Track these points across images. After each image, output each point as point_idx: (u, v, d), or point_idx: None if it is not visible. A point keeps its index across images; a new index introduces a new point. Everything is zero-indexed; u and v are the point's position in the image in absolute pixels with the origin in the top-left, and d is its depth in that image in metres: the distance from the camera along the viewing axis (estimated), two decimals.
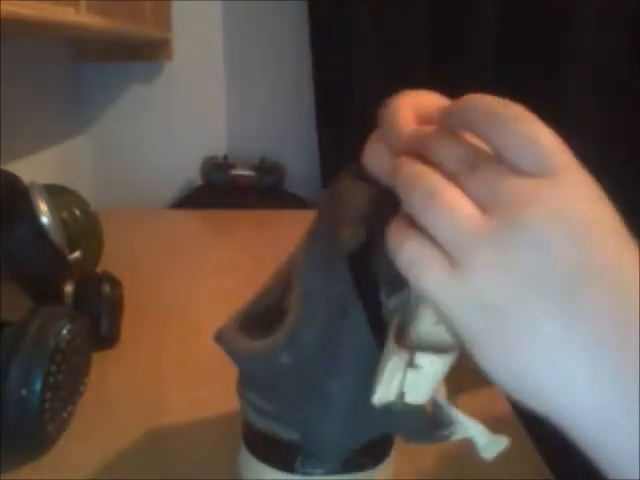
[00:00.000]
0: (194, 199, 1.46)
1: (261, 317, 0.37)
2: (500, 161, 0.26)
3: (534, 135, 0.26)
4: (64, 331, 0.48)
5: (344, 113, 1.40)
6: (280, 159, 1.51)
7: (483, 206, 0.25)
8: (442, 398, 0.32)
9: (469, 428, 0.32)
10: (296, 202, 1.46)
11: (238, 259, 0.98)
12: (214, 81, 1.54)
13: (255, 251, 1.00)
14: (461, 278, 0.25)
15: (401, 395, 0.30)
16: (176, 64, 1.52)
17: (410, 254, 0.26)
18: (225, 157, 1.49)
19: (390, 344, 0.30)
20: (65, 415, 0.50)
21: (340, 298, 0.32)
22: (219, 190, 1.45)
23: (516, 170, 0.25)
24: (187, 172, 1.54)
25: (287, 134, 1.56)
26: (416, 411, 0.31)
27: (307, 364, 0.33)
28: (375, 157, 0.32)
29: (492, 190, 0.25)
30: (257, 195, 1.44)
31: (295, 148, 1.55)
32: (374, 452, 0.38)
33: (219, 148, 1.55)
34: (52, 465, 0.48)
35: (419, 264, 0.26)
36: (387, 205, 0.29)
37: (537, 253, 0.24)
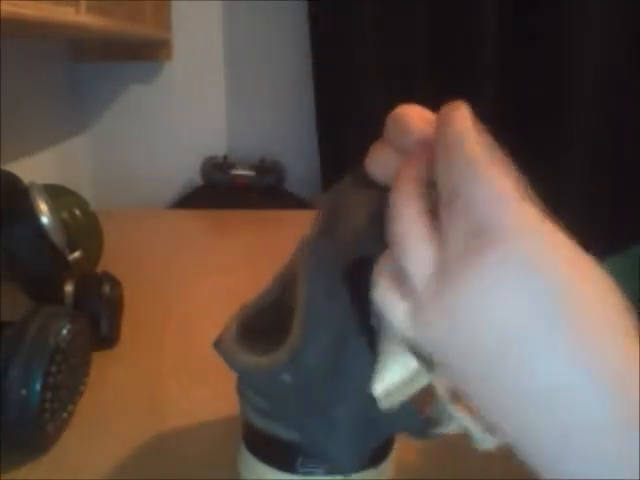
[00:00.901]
0: (194, 199, 1.46)
1: (261, 322, 0.37)
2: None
3: (488, 191, 0.25)
4: (64, 331, 0.48)
5: (344, 113, 1.40)
6: (280, 159, 1.51)
7: (442, 246, 0.26)
8: (441, 393, 0.32)
9: (465, 422, 0.32)
10: (296, 202, 1.46)
11: (238, 259, 0.98)
12: (214, 81, 1.54)
13: (255, 251, 1.00)
14: (418, 323, 0.26)
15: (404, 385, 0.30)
16: (176, 64, 1.52)
17: (382, 291, 0.28)
18: (225, 157, 1.49)
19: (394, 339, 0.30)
20: (65, 415, 0.50)
21: (342, 322, 0.32)
22: (219, 190, 1.45)
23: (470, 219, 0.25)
24: (187, 172, 1.54)
25: (287, 134, 1.56)
26: (409, 410, 0.31)
27: (310, 385, 0.33)
28: (379, 164, 0.32)
29: (451, 235, 0.25)
30: (257, 195, 1.44)
31: (295, 148, 1.55)
32: (374, 452, 0.38)
33: (219, 148, 1.55)
34: (52, 465, 0.48)
35: (386, 301, 0.28)
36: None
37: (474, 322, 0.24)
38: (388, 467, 0.40)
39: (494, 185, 0.25)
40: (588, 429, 0.23)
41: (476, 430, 0.31)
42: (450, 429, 0.32)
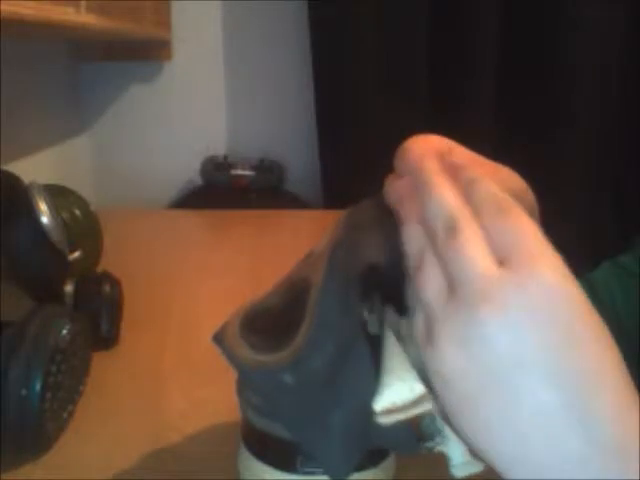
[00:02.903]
0: (194, 199, 1.46)
1: (264, 321, 0.37)
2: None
3: (513, 222, 0.26)
4: (64, 331, 0.48)
5: (344, 113, 1.40)
6: (280, 159, 1.51)
7: (452, 280, 0.27)
8: (432, 408, 0.32)
9: (450, 443, 0.32)
10: (296, 202, 1.46)
11: (238, 259, 0.98)
12: (214, 81, 1.54)
13: (255, 251, 1.00)
14: (432, 344, 0.27)
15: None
16: (176, 64, 1.52)
17: (417, 323, 0.28)
18: (225, 157, 1.49)
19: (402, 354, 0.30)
20: (65, 415, 0.50)
21: (349, 336, 0.33)
22: (219, 190, 1.45)
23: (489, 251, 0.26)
24: (187, 172, 1.54)
25: (287, 134, 1.56)
26: (404, 424, 0.31)
27: (310, 389, 0.33)
28: (393, 195, 0.32)
29: (461, 271, 0.26)
30: (257, 195, 1.44)
31: (295, 148, 1.55)
32: (374, 452, 0.38)
33: (219, 148, 1.55)
34: (52, 465, 0.48)
35: (417, 334, 0.28)
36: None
37: (489, 351, 0.25)
38: (389, 466, 0.40)
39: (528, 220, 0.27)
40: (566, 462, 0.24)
41: (457, 454, 0.31)
42: (440, 446, 0.32)
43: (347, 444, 0.33)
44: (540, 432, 0.25)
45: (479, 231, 0.27)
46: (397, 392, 0.31)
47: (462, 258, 0.26)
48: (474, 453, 0.31)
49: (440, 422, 0.32)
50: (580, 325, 0.25)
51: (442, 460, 0.33)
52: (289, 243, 1.03)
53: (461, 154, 0.33)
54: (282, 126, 1.56)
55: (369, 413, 0.32)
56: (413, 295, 0.29)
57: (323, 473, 0.36)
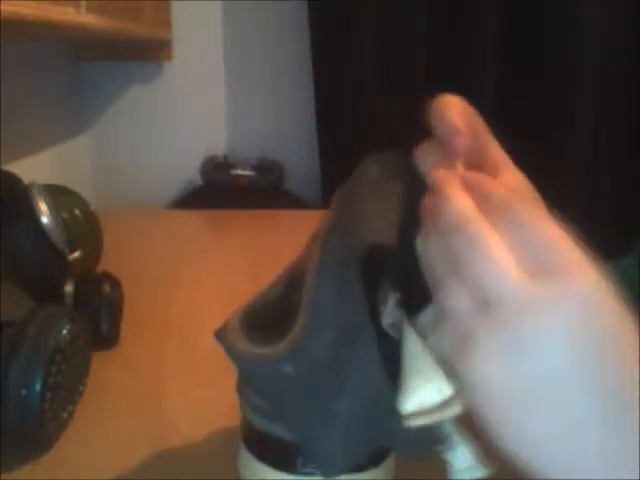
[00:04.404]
0: (194, 199, 1.46)
1: (264, 315, 0.37)
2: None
3: (549, 235, 0.26)
4: (64, 331, 0.48)
5: (344, 113, 1.40)
6: (280, 159, 1.51)
7: (482, 294, 0.26)
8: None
9: (459, 448, 0.32)
10: (296, 202, 1.46)
11: (238, 259, 0.98)
12: (214, 81, 1.54)
13: (255, 251, 1.00)
14: (466, 357, 0.26)
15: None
16: (176, 64, 1.52)
17: (450, 337, 0.28)
18: (225, 157, 1.48)
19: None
20: (65, 415, 0.50)
21: (352, 320, 0.32)
22: (219, 190, 1.45)
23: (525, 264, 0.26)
24: (187, 172, 1.54)
25: (287, 134, 1.56)
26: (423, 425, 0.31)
27: (312, 378, 0.33)
28: (426, 161, 0.32)
29: (492, 285, 0.26)
30: (257, 195, 1.44)
31: (295, 148, 1.55)
32: (375, 453, 0.38)
33: (219, 148, 1.54)
34: (52, 465, 0.48)
35: (448, 347, 0.28)
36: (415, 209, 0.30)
37: (530, 362, 0.25)
38: (389, 466, 0.40)
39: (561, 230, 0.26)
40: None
41: (462, 458, 0.31)
42: (447, 450, 0.32)
43: (348, 438, 0.33)
44: (579, 445, 0.25)
45: (502, 242, 0.26)
46: (426, 394, 0.30)
47: (491, 272, 0.26)
48: (483, 456, 0.31)
49: (450, 426, 0.32)
50: (616, 336, 0.25)
51: (442, 461, 0.33)
52: (289, 243, 1.02)
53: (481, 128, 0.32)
54: (282, 126, 1.56)
55: (375, 405, 0.32)
56: (437, 304, 0.28)
57: (317, 468, 0.36)
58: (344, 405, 0.32)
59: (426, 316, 0.32)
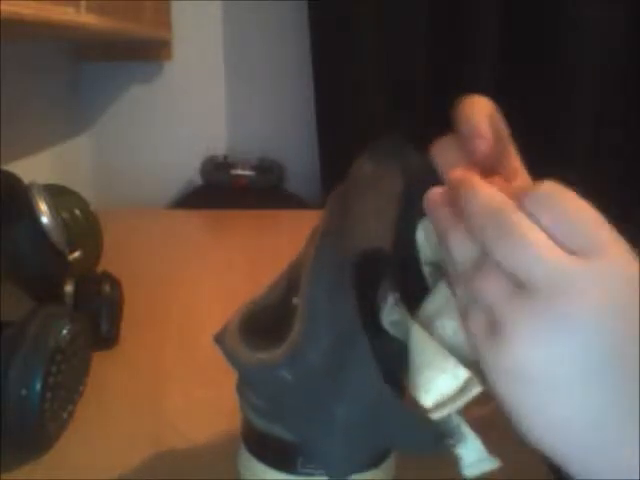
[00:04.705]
0: (194, 199, 1.46)
1: (263, 318, 0.37)
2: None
3: (582, 214, 0.26)
4: (64, 331, 0.48)
5: (344, 113, 1.39)
6: (280, 159, 1.51)
7: (518, 276, 0.26)
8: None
9: (468, 440, 0.31)
10: (296, 202, 1.46)
11: (238, 259, 0.98)
12: (214, 81, 1.54)
13: (255, 251, 1.00)
14: (500, 343, 0.26)
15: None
16: (176, 64, 1.52)
17: (472, 323, 0.28)
18: (225, 157, 1.49)
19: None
20: (65, 415, 0.50)
21: (346, 326, 0.32)
22: (219, 190, 1.45)
23: (561, 245, 0.25)
24: (187, 172, 1.54)
25: (287, 134, 1.56)
26: (429, 420, 0.31)
27: (310, 384, 0.33)
28: (442, 156, 0.32)
29: (530, 266, 0.25)
30: (257, 195, 1.44)
31: (295, 148, 1.55)
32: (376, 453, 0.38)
33: (219, 148, 1.54)
34: (52, 465, 0.47)
35: (469, 319, 0.28)
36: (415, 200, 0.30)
37: (577, 343, 0.25)
38: (389, 467, 0.40)
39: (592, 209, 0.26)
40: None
41: (472, 451, 0.31)
42: (456, 444, 0.32)
43: (349, 443, 0.33)
44: (625, 429, 0.25)
45: (537, 226, 0.26)
46: (443, 384, 0.30)
47: (528, 253, 0.25)
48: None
49: (457, 419, 0.32)
50: None
51: (442, 460, 0.33)
52: (289, 243, 1.02)
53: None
54: (282, 126, 1.56)
55: (375, 410, 0.31)
56: (462, 295, 0.28)
57: (323, 473, 0.36)
58: (343, 411, 0.32)
59: (429, 304, 0.32)
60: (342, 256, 0.32)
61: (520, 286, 0.26)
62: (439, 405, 0.30)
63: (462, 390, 0.30)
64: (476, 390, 0.29)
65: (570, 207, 0.26)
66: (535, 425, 0.26)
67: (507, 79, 1.33)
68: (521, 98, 1.32)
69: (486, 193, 0.27)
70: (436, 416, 0.30)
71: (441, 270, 0.32)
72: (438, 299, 0.32)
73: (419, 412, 0.31)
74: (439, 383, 0.30)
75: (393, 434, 0.33)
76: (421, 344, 0.31)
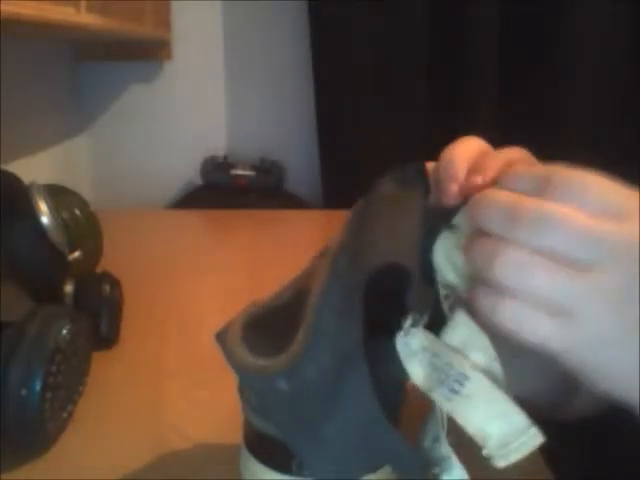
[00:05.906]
0: (194, 199, 1.46)
1: (267, 323, 0.37)
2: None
3: (609, 187, 0.29)
4: (64, 331, 0.48)
5: (344, 113, 1.40)
6: (280, 159, 1.51)
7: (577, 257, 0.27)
8: (442, 432, 0.32)
9: (453, 471, 0.31)
10: (296, 202, 1.46)
11: (238, 259, 0.98)
12: (214, 81, 1.54)
13: (255, 251, 1.00)
14: (574, 324, 0.28)
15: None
16: (176, 64, 1.52)
17: (514, 315, 0.28)
18: (225, 157, 1.49)
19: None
20: (65, 415, 0.50)
21: (348, 349, 0.32)
22: (219, 190, 1.45)
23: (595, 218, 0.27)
24: (187, 172, 1.54)
25: (287, 134, 1.56)
26: (418, 449, 0.31)
27: (305, 398, 0.33)
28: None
29: (591, 243, 0.27)
30: (257, 195, 1.44)
31: (295, 148, 1.55)
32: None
33: (219, 148, 1.55)
34: (52, 465, 0.47)
35: (528, 323, 0.28)
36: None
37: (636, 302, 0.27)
38: (387, 470, 0.40)
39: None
40: None
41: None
42: (442, 473, 0.32)
43: (335, 460, 0.33)
44: None
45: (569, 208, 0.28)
46: (504, 429, 0.29)
47: (578, 234, 0.27)
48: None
49: (447, 450, 0.31)
50: None
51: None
52: (289, 243, 1.03)
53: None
54: (282, 126, 1.56)
55: (367, 433, 0.31)
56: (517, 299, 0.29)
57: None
58: (333, 429, 0.32)
59: (455, 335, 0.31)
60: (356, 275, 0.32)
61: (575, 265, 0.27)
62: (502, 446, 0.29)
63: (523, 430, 0.29)
64: (538, 440, 0.29)
65: (591, 183, 0.28)
66: (606, 379, 0.29)
67: (507, 79, 1.33)
68: (521, 98, 1.33)
69: (500, 198, 0.29)
70: (501, 462, 0.29)
71: (456, 293, 0.32)
72: (462, 330, 0.31)
73: (409, 441, 0.31)
74: (502, 430, 0.29)
75: (380, 457, 0.33)
76: (489, 395, 0.30)
